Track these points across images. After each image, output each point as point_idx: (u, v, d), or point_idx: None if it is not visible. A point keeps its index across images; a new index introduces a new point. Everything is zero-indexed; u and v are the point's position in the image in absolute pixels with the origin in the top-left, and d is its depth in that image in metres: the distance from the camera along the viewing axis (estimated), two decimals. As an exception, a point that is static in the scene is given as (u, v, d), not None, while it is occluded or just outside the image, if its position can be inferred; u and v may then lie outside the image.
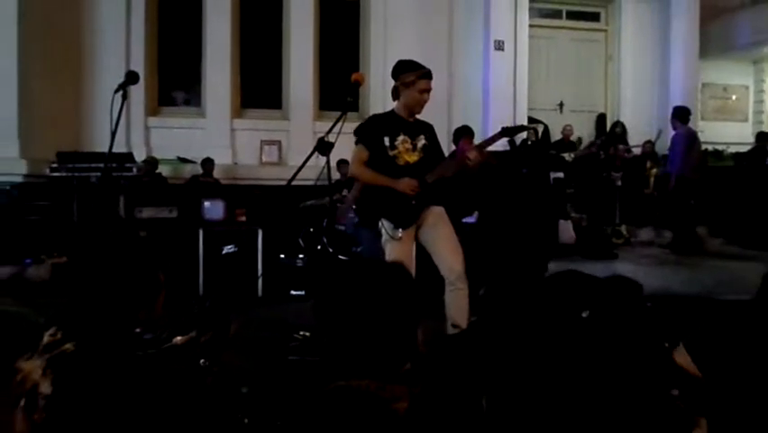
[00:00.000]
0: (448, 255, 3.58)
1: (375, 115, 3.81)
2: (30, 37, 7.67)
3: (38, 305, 4.87)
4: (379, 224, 3.63)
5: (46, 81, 8.05)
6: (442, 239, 3.63)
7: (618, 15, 10.44)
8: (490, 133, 9.18)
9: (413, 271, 3.56)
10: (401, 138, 3.61)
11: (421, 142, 3.68)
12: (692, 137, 7.58)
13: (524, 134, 9.31)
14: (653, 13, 10.43)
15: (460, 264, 3.57)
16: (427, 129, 3.78)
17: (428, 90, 3.59)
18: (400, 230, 3.56)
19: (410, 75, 3.55)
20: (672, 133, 7.71)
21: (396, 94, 3.66)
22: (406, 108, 3.65)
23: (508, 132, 3.81)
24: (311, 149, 3.45)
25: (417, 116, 3.74)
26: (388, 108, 3.79)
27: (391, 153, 3.61)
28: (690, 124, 9.75)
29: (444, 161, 3.78)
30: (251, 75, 9.47)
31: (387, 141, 3.60)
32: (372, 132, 3.65)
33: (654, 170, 8.57)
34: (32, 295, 5.31)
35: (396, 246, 3.56)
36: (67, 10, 8.45)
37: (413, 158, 3.64)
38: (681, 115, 7.59)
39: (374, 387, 1.24)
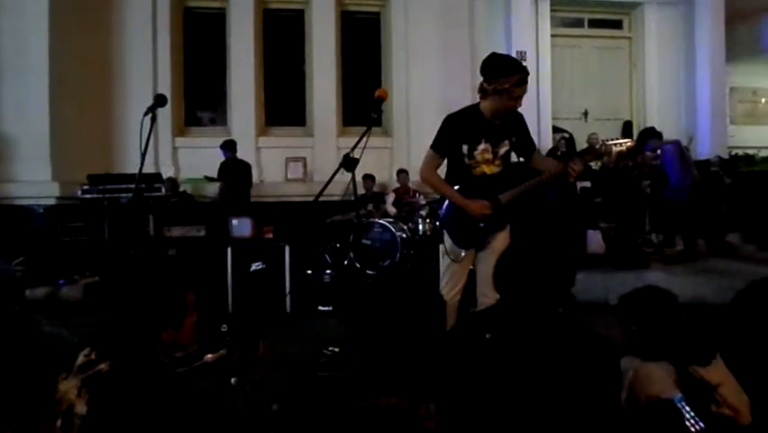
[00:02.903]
0: (490, 282, 3.41)
1: (454, 116, 3.33)
2: (60, 62, 7.87)
3: (71, 324, 4.97)
4: (444, 234, 3.42)
5: (76, 105, 8.24)
6: (491, 264, 3.38)
7: (642, 22, 10.35)
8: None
9: (463, 286, 3.41)
10: (482, 147, 3.27)
11: (504, 148, 3.31)
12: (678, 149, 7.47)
13: (549, 144, 9.28)
14: (678, 18, 10.31)
15: (495, 293, 3.41)
16: (516, 126, 3.37)
17: (522, 96, 3.19)
18: (463, 252, 3.34)
19: (505, 82, 3.12)
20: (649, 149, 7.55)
21: (484, 93, 3.25)
22: (493, 111, 3.25)
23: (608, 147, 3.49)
24: (335, 165, 3.42)
25: None
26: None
27: (468, 162, 3.29)
28: (719, 129, 9.69)
29: (522, 179, 3.41)
30: (275, 93, 9.59)
31: (465, 149, 3.27)
32: (449, 138, 3.30)
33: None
34: (66, 315, 5.41)
35: (453, 265, 3.36)
36: (95, 35, 8.67)
37: (491, 169, 3.31)
38: (653, 133, 7.46)
39: (405, 405, 1.23)
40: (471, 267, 3.50)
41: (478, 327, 1.66)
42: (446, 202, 3.43)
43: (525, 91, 3.19)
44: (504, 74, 3.14)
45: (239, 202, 7.61)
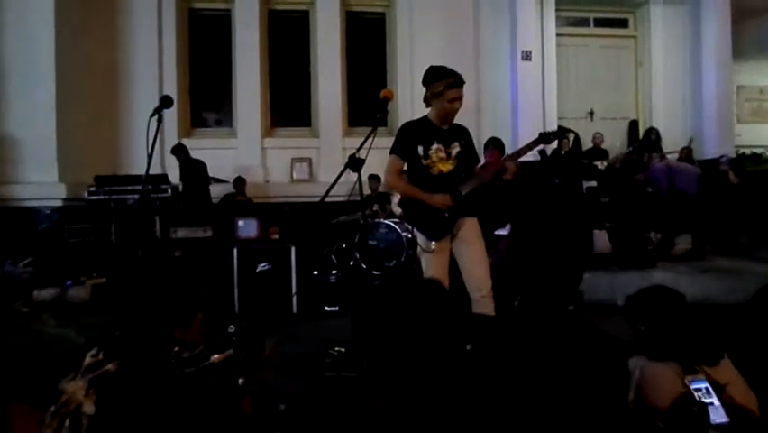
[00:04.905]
0: (477, 274, 3.54)
1: (408, 123, 3.71)
2: (66, 64, 7.90)
3: (79, 325, 5.00)
4: (415, 234, 3.65)
5: (83, 107, 8.28)
6: (472, 256, 3.59)
7: (647, 21, 10.31)
8: (520, 144, 9.15)
9: (446, 282, 3.54)
10: (435, 147, 3.56)
11: (455, 149, 3.61)
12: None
13: (554, 144, 9.25)
14: (683, 16, 10.26)
15: (487, 284, 3.53)
16: (463, 134, 3.69)
17: (458, 98, 3.49)
18: (434, 243, 3.54)
19: (438, 85, 3.47)
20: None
21: (426, 101, 3.60)
22: (439, 116, 3.59)
23: (545, 138, 3.73)
24: (341, 165, 3.46)
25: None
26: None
27: (425, 163, 3.56)
28: (726, 128, 9.67)
29: (478, 171, 3.72)
30: (281, 94, 9.60)
31: (420, 150, 3.56)
32: (406, 141, 3.60)
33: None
34: (74, 316, 5.44)
35: (431, 259, 3.55)
36: (101, 37, 8.70)
37: (447, 167, 3.58)
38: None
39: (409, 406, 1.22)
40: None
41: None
42: (409, 204, 3.67)
43: (458, 94, 3.48)
44: (437, 79, 3.49)
45: (197, 201, 7.68)
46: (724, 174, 8.28)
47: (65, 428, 1.53)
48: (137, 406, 1.52)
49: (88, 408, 1.53)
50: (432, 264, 3.54)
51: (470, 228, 3.64)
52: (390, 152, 3.64)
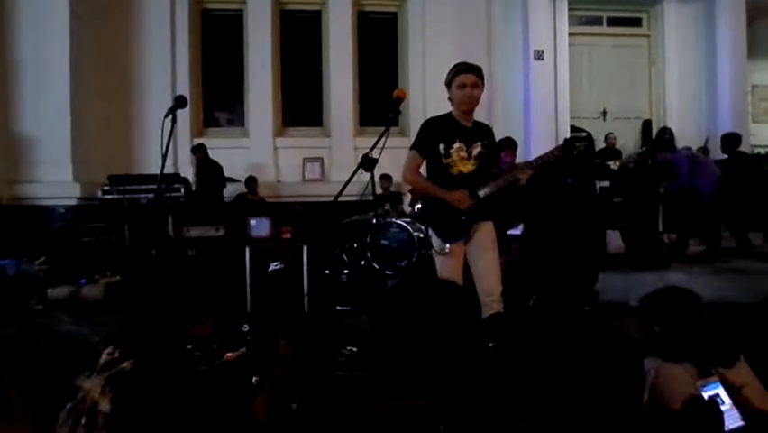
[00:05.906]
0: (489, 280, 3.49)
1: (431, 119, 3.64)
2: (81, 65, 7.98)
3: (93, 323, 5.04)
4: (429, 234, 3.61)
5: (97, 107, 8.34)
6: (486, 262, 3.53)
7: (661, 19, 10.23)
8: (532, 144, 9.12)
9: (461, 283, 3.53)
10: (457, 145, 3.51)
11: (477, 149, 3.56)
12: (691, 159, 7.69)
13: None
14: (698, 15, 10.17)
15: (498, 289, 3.49)
16: (486, 134, 3.66)
17: (469, 84, 3.46)
18: (448, 245, 3.50)
19: (450, 74, 3.53)
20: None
21: (449, 98, 3.60)
22: (458, 109, 3.55)
23: (569, 146, 3.66)
24: (352, 165, 3.45)
25: (476, 119, 3.65)
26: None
27: (445, 162, 3.51)
28: (741, 127, 9.58)
29: (497, 175, 3.66)
30: (293, 94, 9.63)
31: (442, 148, 3.51)
32: (428, 137, 3.55)
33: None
34: (87, 314, 5.48)
35: (445, 260, 3.51)
36: (115, 37, 8.77)
37: (467, 167, 3.53)
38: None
39: (427, 406, 1.22)
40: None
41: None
42: (427, 203, 3.63)
43: (468, 80, 3.46)
44: (450, 71, 3.55)
45: (210, 201, 7.75)
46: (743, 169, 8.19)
47: (81, 426, 1.54)
48: (153, 404, 1.53)
49: (104, 405, 1.54)
50: (445, 267, 3.50)
51: (485, 233, 3.59)
52: (411, 148, 3.60)
